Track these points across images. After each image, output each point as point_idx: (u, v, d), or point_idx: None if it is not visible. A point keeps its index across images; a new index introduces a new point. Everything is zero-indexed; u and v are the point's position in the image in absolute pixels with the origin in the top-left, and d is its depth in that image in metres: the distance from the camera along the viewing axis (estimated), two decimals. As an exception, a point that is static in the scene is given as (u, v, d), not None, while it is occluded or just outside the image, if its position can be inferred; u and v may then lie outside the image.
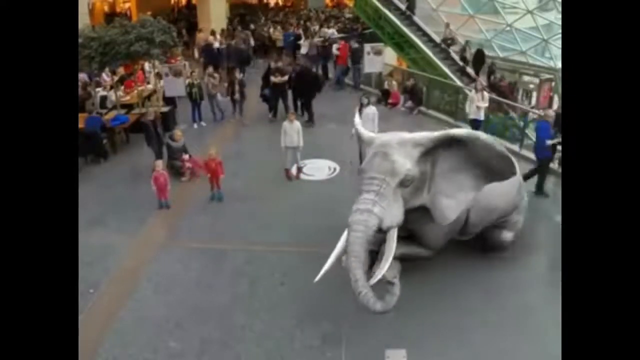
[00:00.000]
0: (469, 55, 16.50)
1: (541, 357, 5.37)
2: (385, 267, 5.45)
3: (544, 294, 6.30)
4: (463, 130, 6.08)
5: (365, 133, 6.41)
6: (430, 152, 5.86)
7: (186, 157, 9.80)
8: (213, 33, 19.24)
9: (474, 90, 11.40)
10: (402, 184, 5.64)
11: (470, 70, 16.35)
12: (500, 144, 6.04)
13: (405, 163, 5.61)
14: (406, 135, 5.96)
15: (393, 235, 5.60)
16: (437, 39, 17.36)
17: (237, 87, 12.67)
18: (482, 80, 15.03)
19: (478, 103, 11.03)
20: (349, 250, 5.32)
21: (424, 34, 17.54)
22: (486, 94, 11.42)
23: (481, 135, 5.96)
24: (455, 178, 5.87)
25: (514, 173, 5.89)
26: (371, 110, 10.01)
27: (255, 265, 7.01)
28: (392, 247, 5.56)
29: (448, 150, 5.88)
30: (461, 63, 16.57)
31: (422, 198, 5.89)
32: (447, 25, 17.84)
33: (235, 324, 5.92)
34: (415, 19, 17.82)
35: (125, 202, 8.89)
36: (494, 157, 5.78)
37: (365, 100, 10.13)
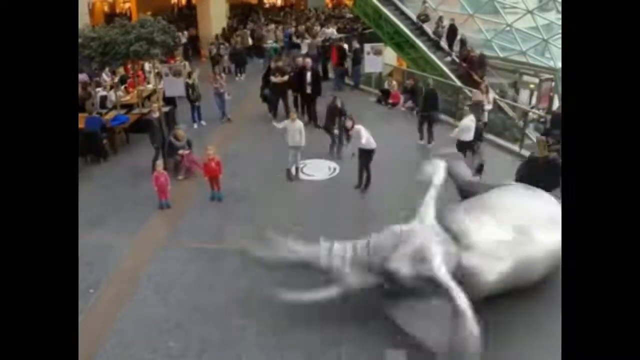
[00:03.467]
0: (442, 29, 17.30)
1: (541, 357, 5.37)
2: None
3: (544, 293, 6.29)
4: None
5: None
6: None
7: (185, 152, 9.70)
8: (181, 31, 19.80)
9: (478, 93, 11.17)
10: None
11: (444, 44, 17.07)
12: None
13: None
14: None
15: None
16: (413, 16, 17.83)
17: (336, 118, 10.57)
18: (454, 53, 16.31)
19: (485, 106, 10.86)
20: None
21: (401, 13, 18.10)
22: (491, 96, 11.31)
23: None
24: None
25: None
26: (357, 128, 8.92)
27: (255, 265, 7.00)
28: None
29: None
30: (435, 38, 17.32)
31: None
32: (424, 2, 18.18)
33: (235, 324, 5.92)
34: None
35: (125, 202, 8.89)
36: None
37: (349, 124, 9.01)
